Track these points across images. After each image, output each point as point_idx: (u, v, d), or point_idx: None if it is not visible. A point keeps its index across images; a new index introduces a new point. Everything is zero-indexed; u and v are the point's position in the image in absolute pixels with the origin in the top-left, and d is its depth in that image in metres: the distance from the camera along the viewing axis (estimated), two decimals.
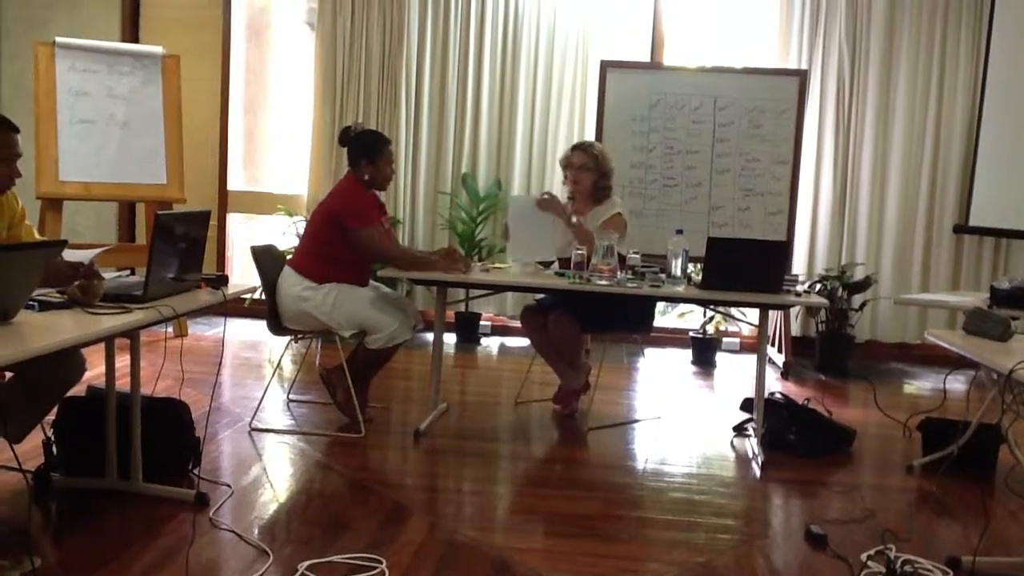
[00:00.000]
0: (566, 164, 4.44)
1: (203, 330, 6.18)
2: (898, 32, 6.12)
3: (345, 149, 4.21)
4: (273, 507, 3.19)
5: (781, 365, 5.82)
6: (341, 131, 4.27)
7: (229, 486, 3.28)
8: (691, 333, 6.17)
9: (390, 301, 4.20)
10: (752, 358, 4.71)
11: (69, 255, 2.90)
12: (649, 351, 6.20)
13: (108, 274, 3.10)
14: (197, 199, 5.98)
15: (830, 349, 5.96)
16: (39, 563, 2.55)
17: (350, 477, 3.51)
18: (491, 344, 6.41)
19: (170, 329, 5.63)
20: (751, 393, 4.25)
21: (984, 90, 5.93)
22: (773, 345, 6.06)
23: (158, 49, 5.86)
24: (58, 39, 5.54)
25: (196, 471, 3.35)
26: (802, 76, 5.78)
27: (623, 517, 3.27)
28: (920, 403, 4.85)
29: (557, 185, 4.60)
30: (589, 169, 4.36)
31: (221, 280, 3.23)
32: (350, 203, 4.06)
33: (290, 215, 6.33)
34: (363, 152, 4.13)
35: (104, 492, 3.13)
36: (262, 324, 4.23)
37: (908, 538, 3.05)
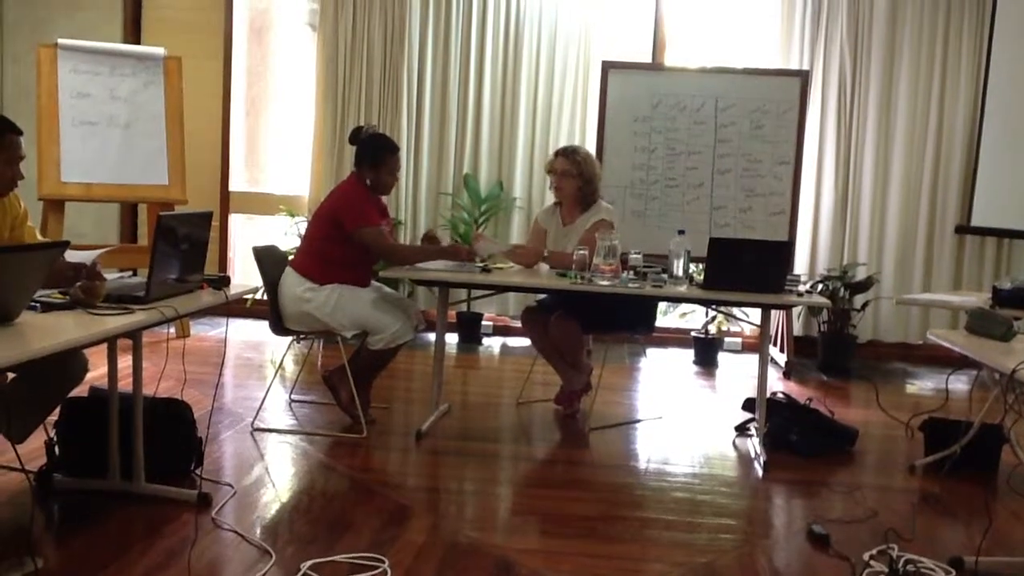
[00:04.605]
0: (549, 170, 4.44)
1: (205, 331, 6.18)
2: (899, 32, 6.11)
3: (352, 149, 4.22)
4: (275, 507, 3.19)
5: (783, 365, 5.82)
6: (353, 130, 4.28)
7: (231, 486, 3.28)
8: (693, 333, 6.17)
9: (392, 302, 4.20)
10: (754, 358, 4.70)
11: (71, 256, 2.90)
12: (651, 351, 6.19)
13: (110, 275, 3.11)
14: (199, 200, 5.98)
15: (832, 349, 5.95)
16: (41, 564, 2.56)
17: (352, 477, 3.51)
18: (493, 344, 6.41)
19: (172, 330, 5.64)
20: (753, 393, 4.25)
21: (986, 89, 5.92)
22: (775, 345, 6.06)
23: (160, 50, 5.87)
24: (60, 41, 5.55)
25: (198, 471, 3.35)
26: (804, 77, 5.77)
27: (625, 517, 3.27)
28: (922, 403, 4.84)
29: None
30: (572, 176, 4.34)
31: (223, 281, 3.25)
32: (349, 203, 4.07)
33: (292, 215, 6.34)
34: (366, 157, 4.14)
35: (106, 493, 3.13)
36: (264, 325, 4.24)
37: (911, 538, 3.05)
